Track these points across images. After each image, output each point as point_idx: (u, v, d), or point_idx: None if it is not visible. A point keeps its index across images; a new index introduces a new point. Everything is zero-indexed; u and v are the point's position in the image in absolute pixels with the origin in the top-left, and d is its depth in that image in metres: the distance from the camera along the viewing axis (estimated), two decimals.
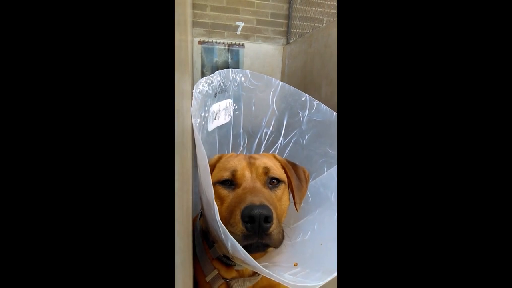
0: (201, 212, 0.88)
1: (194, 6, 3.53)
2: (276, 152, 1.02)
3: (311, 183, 0.96)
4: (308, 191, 0.91)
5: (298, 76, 3.42)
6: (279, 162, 0.87)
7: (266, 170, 0.77)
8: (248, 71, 0.95)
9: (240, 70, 0.94)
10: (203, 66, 3.68)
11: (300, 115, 0.98)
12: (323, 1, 3.98)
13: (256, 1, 3.78)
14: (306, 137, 1.00)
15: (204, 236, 0.82)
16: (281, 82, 0.95)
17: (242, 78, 0.93)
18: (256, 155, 0.84)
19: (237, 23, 3.78)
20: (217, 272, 0.75)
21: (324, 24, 3.29)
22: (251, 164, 0.78)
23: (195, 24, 3.61)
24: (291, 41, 3.77)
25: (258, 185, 0.74)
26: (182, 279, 0.45)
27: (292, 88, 0.96)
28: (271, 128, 1.01)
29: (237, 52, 3.75)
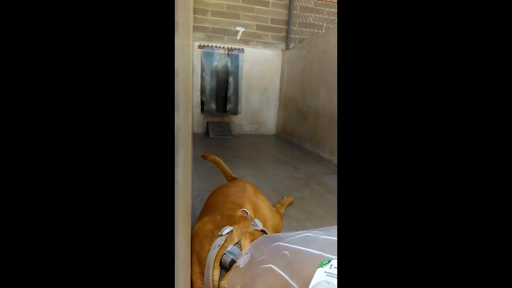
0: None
1: (195, 10, 3.57)
2: None
3: None
4: None
5: (296, 81, 3.44)
6: None
7: None
8: None
9: None
10: (202, 70, 3.71)
11: None
12: (323, 8, 4.03)
13: (256, 6, 3.83)
14: None
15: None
16: None
17: None
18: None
19: (237, 28, 3.81)
20: None
21: (323, 31, 3.33)
22: None
23: (195, 29, 3.64)
24: (290, 47, 3.80)
25: None
26: (183, 280, 0.46)
27: None
28: None
29: (236, 57, 3.78)
